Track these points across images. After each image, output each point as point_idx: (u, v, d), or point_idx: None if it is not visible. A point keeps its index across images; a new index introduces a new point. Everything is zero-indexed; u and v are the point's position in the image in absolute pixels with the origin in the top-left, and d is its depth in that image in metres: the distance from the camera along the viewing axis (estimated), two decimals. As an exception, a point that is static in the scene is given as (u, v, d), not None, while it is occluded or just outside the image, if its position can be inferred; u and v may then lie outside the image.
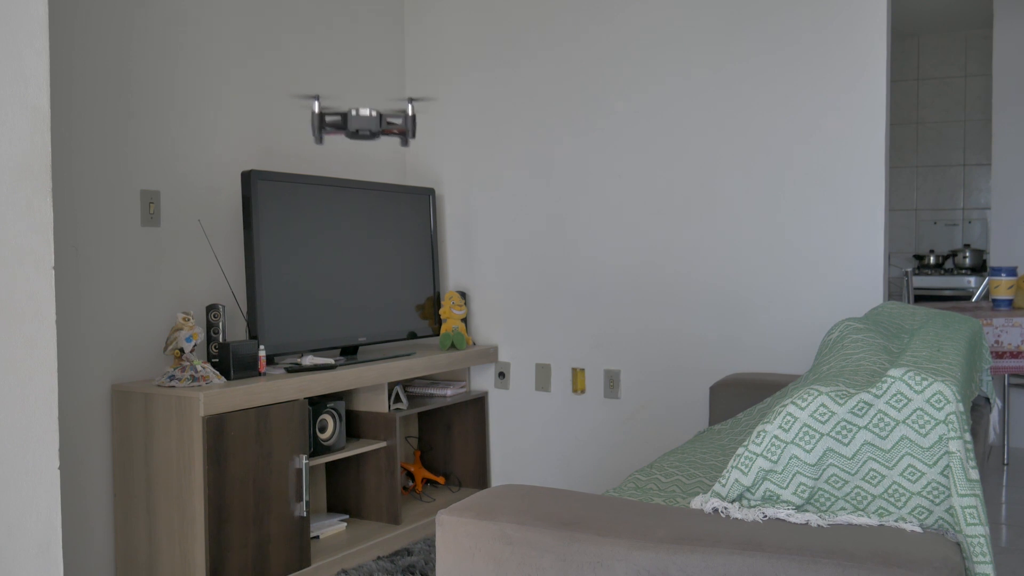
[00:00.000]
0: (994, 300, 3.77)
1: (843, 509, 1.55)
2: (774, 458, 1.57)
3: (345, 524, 3.35)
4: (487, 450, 3.92)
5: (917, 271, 5.79)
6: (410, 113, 2.46)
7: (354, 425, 3.43)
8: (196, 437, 2.62)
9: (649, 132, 3.54)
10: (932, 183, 6.16)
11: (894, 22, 5.82)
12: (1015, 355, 3.52)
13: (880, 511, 1.53)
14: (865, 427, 1.54)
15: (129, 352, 2.88)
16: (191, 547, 2.65)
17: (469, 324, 3.97)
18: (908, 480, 1.52)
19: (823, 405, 1.56)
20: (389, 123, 2.43)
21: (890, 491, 1.53)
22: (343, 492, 3.47)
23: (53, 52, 2.65)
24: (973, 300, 4.74)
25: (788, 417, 1.57)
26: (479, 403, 3.86)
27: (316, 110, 2.28)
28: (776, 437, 1.57)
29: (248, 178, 3.01)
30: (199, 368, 2.76)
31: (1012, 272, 3.77)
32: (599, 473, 3.69)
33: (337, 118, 2.44)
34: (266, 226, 3.06)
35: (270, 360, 3.15)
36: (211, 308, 2.93)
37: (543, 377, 3.80)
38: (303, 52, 3.54)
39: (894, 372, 1.55)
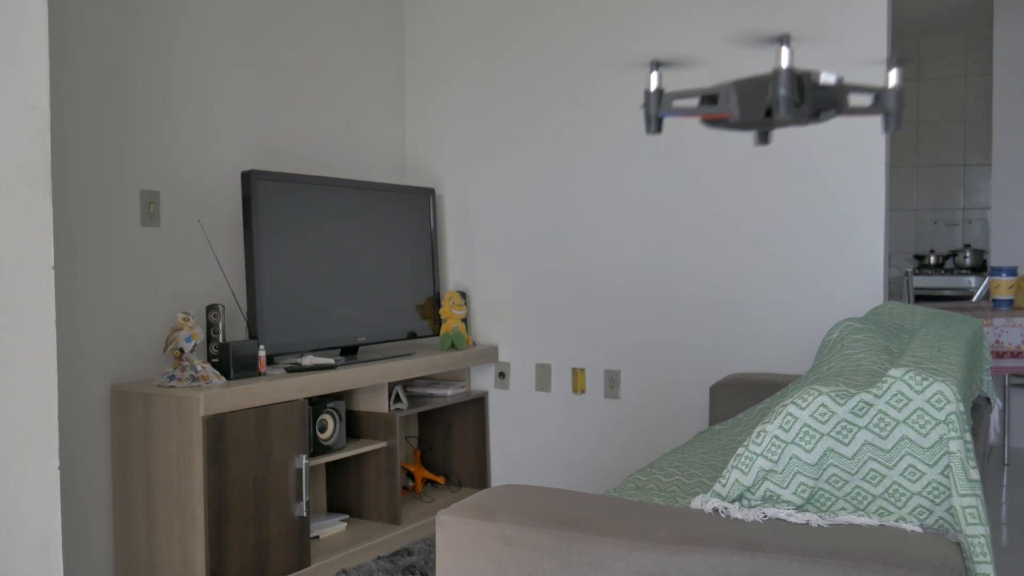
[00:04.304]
0: (994, 300, 3.77)
1: (843, 509, 1.55)
2: (774, 458, 1.57)
3: (345, 524, 3.35)
4: (487, 450, 3.92)
5: (917, 271, 5.79)
6: (892, 84, 1.36)
7: (354, 425, 3.43)
8: (196, 437, 2.62)
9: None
10: (932, 183, 6.16)
11: (894, 22, 5.81)
12: (1015, 355, 3.52)
13: (880, 511, 1.53)
14: (865, 427, 1.54)
15: (129, 352, 2.87)
16: (191, 547, 2.65)
17: (469, 324, 3.97)
18: (908, 480, 1.52)
19: (823, 405, 1.56)
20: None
21: (890, 491, 1.53)
22: (343, 492, 3.47)
23: (53, 52, 2.64)
24: (973, 300, 4.74)
25: (788, 417, 1.57)
26: (479, 403, 3.86)
27: (653, 85, 1.36)
28: (776, 437, 1.57)
29: (248, 178, 3.01)
30: (199, 368, 2.76)
31: (1012, 272, 3.77)
32: (599, 473, 3.69)
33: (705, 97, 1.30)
34: (266, 226, 3.06)
35: (270, 360, 3.15)
36: (211, 308, 2.93)
37: (543, 377, 3.80)
38: (303, 52, 3.54)
39: (894, 372, 1.55)
